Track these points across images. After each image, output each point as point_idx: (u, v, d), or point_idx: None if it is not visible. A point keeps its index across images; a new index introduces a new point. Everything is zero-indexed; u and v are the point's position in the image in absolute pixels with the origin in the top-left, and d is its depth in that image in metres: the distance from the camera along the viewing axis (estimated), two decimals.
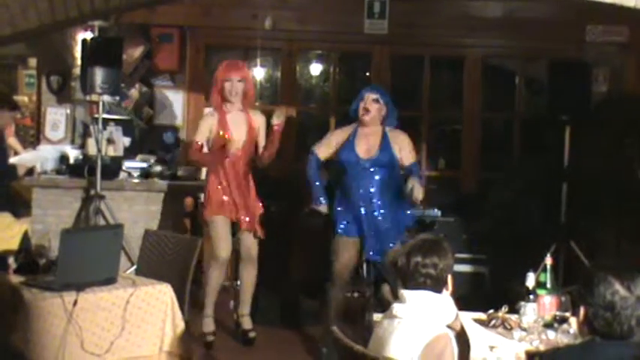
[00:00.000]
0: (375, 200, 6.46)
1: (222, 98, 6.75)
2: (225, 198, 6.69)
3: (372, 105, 6.50)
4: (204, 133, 6.75)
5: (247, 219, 6.74)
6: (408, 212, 6.70)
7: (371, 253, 6.49)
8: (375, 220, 6.46)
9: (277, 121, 6.73)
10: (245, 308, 6.91)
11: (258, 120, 6.90)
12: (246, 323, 6.88)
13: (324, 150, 6.71)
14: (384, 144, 6.51)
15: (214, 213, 6.68)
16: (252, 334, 6.85)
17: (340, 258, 6.53)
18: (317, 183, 6.73)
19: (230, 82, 6.69)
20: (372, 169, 6.48)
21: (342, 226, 6.52)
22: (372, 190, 6.45)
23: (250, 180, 6.87)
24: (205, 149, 6.77)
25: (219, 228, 6.67)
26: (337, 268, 6.55)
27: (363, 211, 6.45)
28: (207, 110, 8.46)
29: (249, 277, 6.87)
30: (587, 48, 8.47)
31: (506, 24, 8.67)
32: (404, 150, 6.57)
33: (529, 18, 8.55)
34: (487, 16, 8.75)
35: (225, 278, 8.34)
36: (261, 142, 6.87)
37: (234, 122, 6.74)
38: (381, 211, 6.47)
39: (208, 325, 6.76)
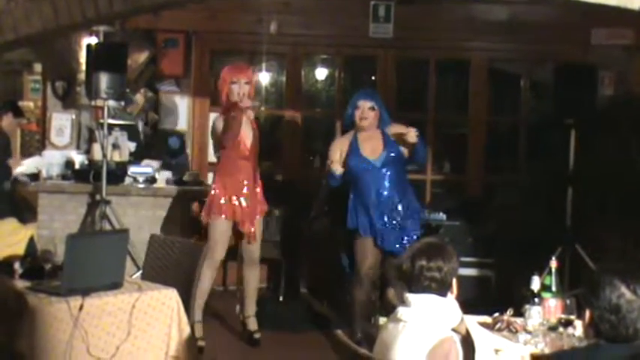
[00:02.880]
0: (388, 199, 6.60)
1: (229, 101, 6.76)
2: (223, 200, 6.68)
3: (369, 113, 6.68)
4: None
5: (252, 229, 6.75)
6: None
7: (397, 246, 6.55)
8: (393, 215, 6.59)
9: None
10: (250, 310, 6.93)
11: (254, 122, 6.95)
12: (252, 324, 6.90)
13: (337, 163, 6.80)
14: (387, 141, 6.67)
15: (214, 214, 6.69)
16: (257, 335, 6.86)
17: (367, 259, 6.66)
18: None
19: (238, 84, 6.70)
20: (383, 169, 6.60)
21: (361, 226, 6.65)
22: (387, 187, 6.61)
23: (258, 181, 6.88)
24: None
25: (218, 230, 6.68)
26: (364, 270, 6.68)
27: (380, 209, 6.58)
28: (213, 116, 8.51)
29: (253, 278, 6.91)
30: (592, 51, 8.46)
31: (511, 27, 8.66)
32: (400, 133, 6.67)
33: (534, 21, 8.54)
34: (492, 20, 8.75)
35: (230, 282, 8.40)
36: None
37: (243, 124, 6.75)
38: (398, 206, 6.61)
39: (198, 330, 6.60)
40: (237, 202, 6.70)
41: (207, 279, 6.64)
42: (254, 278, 6.91)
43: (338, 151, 6.82)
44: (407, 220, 6.64)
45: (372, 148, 6.66)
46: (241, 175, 6.72)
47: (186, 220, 8.13)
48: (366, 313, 6.79)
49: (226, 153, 6.71)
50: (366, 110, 6.67)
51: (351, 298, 6.80)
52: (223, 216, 6.67)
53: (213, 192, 6.75)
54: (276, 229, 8.24)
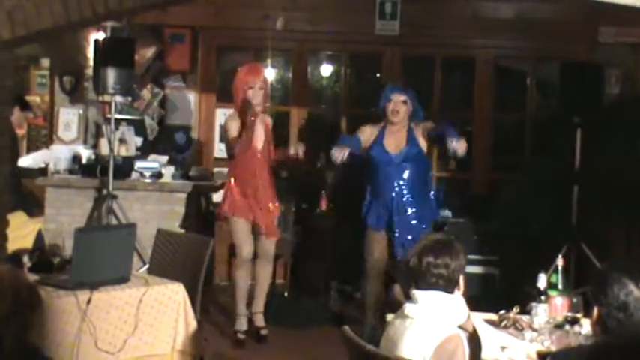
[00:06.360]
0: (405, 194, 6.58)
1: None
2: (239, 198, 6.76)
3: (402, 107, 6.61)
4: (236, 130, 6.76)
5: (265, 225, 6.82)
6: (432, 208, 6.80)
7: (401, 246, 6.55)
8: (405, 214, 6.57)
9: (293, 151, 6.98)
10: (259, 306, 6.96)
11: (268, 120, 6.99)
12: (259, 320, 6.94)
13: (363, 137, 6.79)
14: (411, 138, 6.62)
15: (232, 214, 6.77)
16: (264, 332, 6.91)
17: (373, 252, 6.67)
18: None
19: (253, 89, 6.74)
20: (402, 165, 6.59)
21: (373, 219, 6.65)
22: (402, 184, 6.58)
23: (270, 181, 6.93)
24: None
25: (239, 230, 6.79)
26: (371, 263, 6.71)
27: (393, 205, 6.57)
28: (220, 111, 8.63)
29: (264, 274, 6.95)
30: (599, 49, 8.46)
31: (517, 25, 8.67)
32: (427, 128, 6.64)
33: (541, 19, 8.55)
34: (499, 17, 8.76)
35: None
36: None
37: (256, 125, 6.78)
38: (411, 206, 6.58)
39: (241, 323, 6.85)
40: (254, 200, 6.78)
41: (241, 280, 6.85)
42: (266, 275, 6.96)
43: (367, 133, 6.75)
44: (418, 220, 6.59)
45: (396, 142, 6.63)
46: (256, 173, 6.79)
47: (193, 214, 8.16)
48: (378, 307, 6.79)
49: (239, 152, 6.75)
50: (399, 103, 6.59)
51: (363, 293, 6.83)
52: (242, 217, 6.76)
53: (229, 190, 6.84)
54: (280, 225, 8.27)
